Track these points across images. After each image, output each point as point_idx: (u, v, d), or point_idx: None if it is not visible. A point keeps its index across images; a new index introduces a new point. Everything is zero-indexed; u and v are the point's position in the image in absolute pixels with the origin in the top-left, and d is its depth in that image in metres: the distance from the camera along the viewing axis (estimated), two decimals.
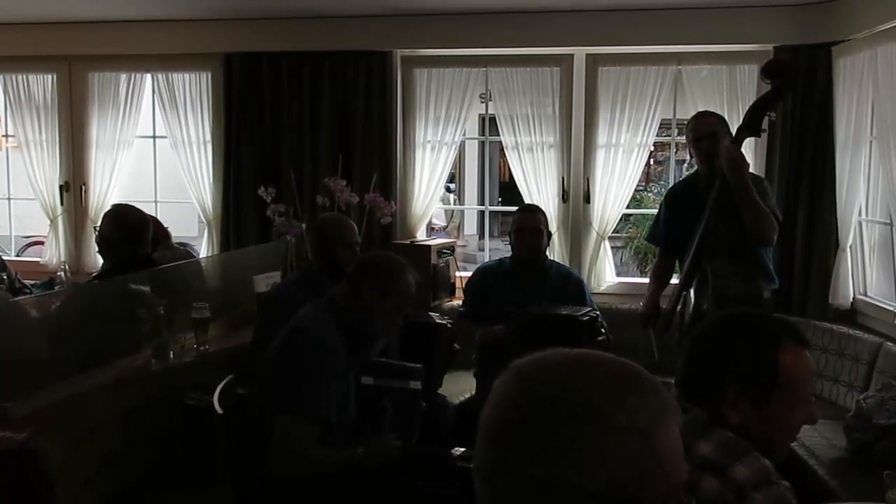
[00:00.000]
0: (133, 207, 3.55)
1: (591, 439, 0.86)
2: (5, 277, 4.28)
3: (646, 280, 4.46)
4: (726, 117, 3.87)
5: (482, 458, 0.91)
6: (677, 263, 3.76)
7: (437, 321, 3.52)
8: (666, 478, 0.89)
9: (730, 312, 1.73)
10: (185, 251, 4.40)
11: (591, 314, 3.49)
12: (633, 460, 0.86)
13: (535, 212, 3.95)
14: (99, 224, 3.47)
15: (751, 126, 3.27)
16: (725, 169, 3.22)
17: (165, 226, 4.37)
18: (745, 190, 3.20)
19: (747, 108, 3.42)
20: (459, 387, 3.96)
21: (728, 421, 1.45)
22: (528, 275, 3.83)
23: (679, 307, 3.46)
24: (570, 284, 3.86)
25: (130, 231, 3.35)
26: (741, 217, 3.24)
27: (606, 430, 0.86)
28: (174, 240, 4.51)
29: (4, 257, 5.10)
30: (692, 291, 3.39)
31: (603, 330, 3.50)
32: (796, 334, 1.51)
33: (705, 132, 3.46)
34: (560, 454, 0.86)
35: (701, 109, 3.96)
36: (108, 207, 5.07)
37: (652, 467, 0.87)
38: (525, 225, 3.83)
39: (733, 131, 3.39)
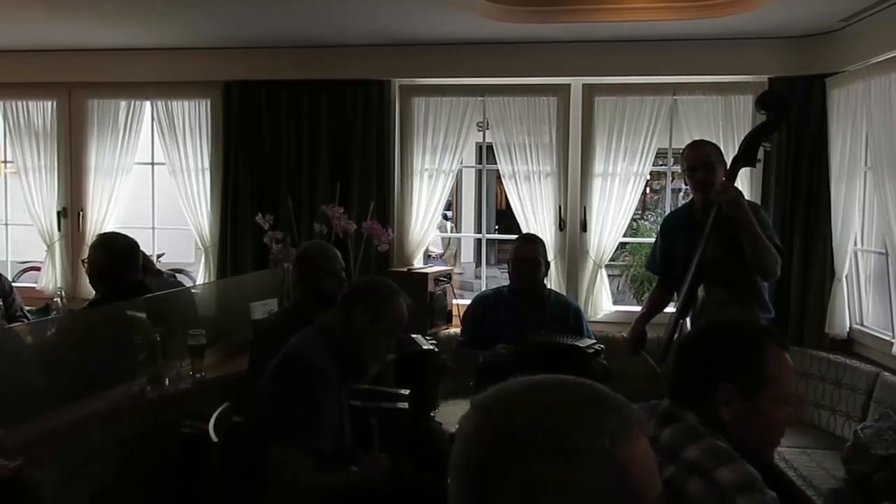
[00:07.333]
0: (120, 234, 3.53)
1: (553, 466, 0.84)
2: (8, 301, 4.25)
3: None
4: (721, 147, 3.86)
5: (455, 498, 0.89)
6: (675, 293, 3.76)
7: (425, 347, 3.50)
8: (637, 495, 0.87)
9: (714, 322, 1.95)
10: (173, 280, 4.39)
11: (596, 347, 3.49)
12: (599, 481, 0.84)
13: (533, 242, 3.93)
14: (87, 255, 3.44)
15: (746, 156, 3.30)
16: (727, 209, 3.22)
17: (161, 252, 4.37)
18: (749, 226, 3.20)
19: (742, 138, 3.45)
20: (456, 415, 3.92)
21: (721, 418, 1.54)
22: (526, 303, 3.82)
23: (676, 336, 3.45)
24: (569, 314, 3.85)
25: (121, 257, 3.33)
26: (738, 246, 3.25)
27: (567, 454, 0.84)
28: (171, 266, 4.51)
29: None
30: (688, 319, 3.39)
31: (605, 363, 3.47)
32: (778, 337, 1.64)
33: (700, 162, 3.46)
34: (525, 486, 0.84)
35: (696, 139, 3.98)
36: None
37: (620, 486, 0.85)
38: (522, 255, 3.82)
39: (728, 160, 3.42)
